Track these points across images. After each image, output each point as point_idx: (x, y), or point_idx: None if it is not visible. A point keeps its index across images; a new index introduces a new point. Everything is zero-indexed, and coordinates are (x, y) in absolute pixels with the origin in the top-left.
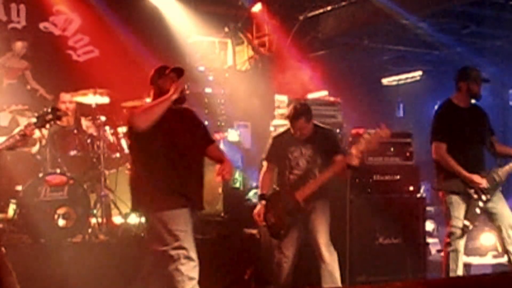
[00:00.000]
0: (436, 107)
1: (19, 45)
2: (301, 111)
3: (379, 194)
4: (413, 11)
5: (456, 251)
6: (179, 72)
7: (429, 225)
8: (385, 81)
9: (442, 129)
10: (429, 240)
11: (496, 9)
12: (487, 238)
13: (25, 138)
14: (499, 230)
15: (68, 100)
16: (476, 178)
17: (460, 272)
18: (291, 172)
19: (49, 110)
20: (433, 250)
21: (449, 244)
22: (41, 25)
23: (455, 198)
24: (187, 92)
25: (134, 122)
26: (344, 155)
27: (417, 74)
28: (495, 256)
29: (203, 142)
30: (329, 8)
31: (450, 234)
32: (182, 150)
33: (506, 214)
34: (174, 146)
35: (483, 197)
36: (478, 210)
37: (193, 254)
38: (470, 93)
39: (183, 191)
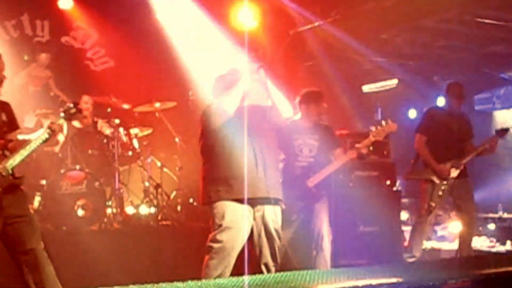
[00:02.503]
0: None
1: (43, 56)
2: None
3: (360, 188)
4: (389, 27)
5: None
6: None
7: (404, 215)
8: (366, 88)
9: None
10: (404, 228)
11: (463, 26)
12: (455, 226)
13: (54, 133)
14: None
15: (85, 101)
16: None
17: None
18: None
19: (71, 105)
20: (407, 236)
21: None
22: (63, 39)
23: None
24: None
25: (220, 112)
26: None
27: (393, 82)
28: None
29: None
30: (316, 24)
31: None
32: None
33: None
34: None
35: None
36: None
37: None
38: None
39: None
